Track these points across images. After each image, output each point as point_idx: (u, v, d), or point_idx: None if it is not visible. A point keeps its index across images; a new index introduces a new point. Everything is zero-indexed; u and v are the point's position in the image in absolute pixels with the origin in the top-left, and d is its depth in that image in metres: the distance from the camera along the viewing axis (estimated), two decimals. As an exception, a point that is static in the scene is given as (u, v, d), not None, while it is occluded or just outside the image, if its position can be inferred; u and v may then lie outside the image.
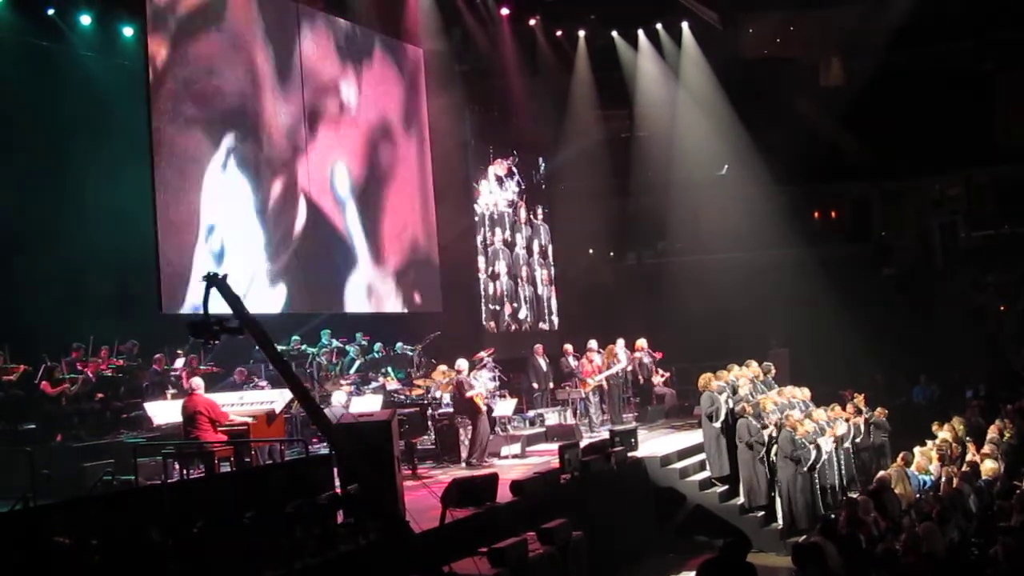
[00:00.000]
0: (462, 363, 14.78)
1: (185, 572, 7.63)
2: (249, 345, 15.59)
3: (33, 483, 8.95)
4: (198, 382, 11.60)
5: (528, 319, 23.51)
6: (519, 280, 23.51)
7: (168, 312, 14.98)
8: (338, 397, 13.66)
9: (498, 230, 22.96)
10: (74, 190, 14.73)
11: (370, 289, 19.03)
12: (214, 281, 7.31)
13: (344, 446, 8.07)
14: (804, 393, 15.84)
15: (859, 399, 16.58)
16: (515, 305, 23.18)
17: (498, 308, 22.59)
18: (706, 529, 13.78)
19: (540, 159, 24.91)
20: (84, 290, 14.32)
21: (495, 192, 23.03)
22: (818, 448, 13.65)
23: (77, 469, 11.61)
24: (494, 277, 22.56)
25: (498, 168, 23.24)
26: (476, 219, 22.17)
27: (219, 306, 7.34)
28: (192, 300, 15.36)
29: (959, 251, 25.49)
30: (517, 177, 23.93)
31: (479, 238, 22.18)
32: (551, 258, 24.79)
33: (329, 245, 18.23)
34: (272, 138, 17.13)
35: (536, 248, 24.50)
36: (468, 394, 14.31)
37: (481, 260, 22.18)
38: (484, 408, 14.44)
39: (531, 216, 24.43)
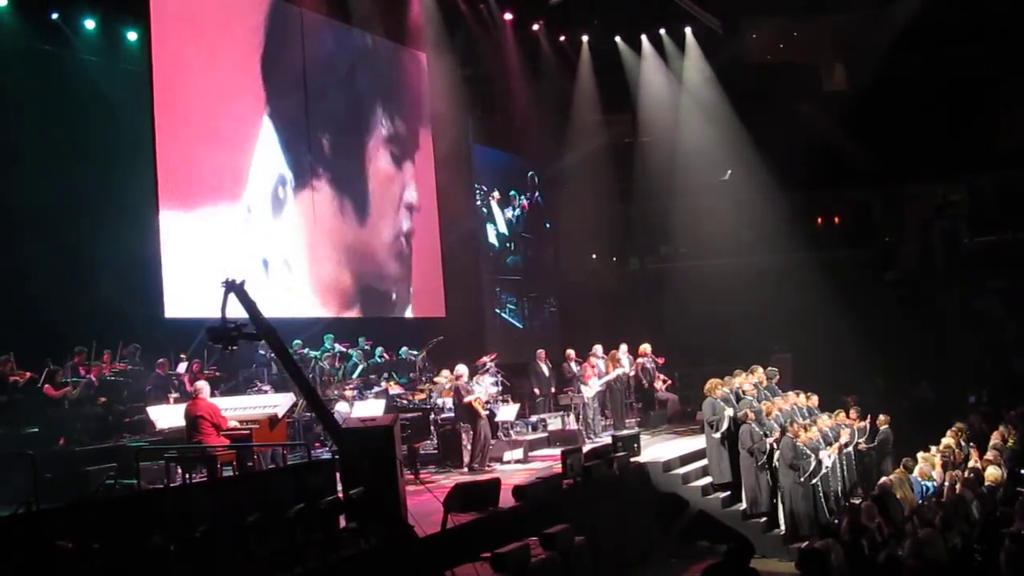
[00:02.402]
0: (461, 368, 14.79)
1: (187, 576, 7.63)
2: (252, 349, 15.68)
3: (35, 487, 8.90)
4: (202, 386, 11.57)
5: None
6: (524, 302, 23.67)
7: (171, 316, 15.01)
8: (341, 407, 13.74)
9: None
10: (77, 194, 14.72)
11: (371, 293, 19.03)
12: (232, 287, 7.32)
13: (354, 450, 8.09)
14: (809, 399, 15.79)
15: (855, 420, 16.42)
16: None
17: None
18: (709, 534, 13.78)
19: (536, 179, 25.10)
20: (87, 293, 14.32)
21: (499, 217, 23.26)
22: (818, 461, 13.61)
23: (80, 473, 11.57)
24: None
25: (501, 202, 23.52)
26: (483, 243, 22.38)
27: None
28: (194, 304, 15.39)
29: (961, 256, 25.45)
30: (522, 201, 24.18)
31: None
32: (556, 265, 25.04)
33: (332, 249, 18.27)
34: (272, 141, 17.16)
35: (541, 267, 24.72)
36: (466, 399, 14.30)
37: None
38: (483, 413, 14.39)
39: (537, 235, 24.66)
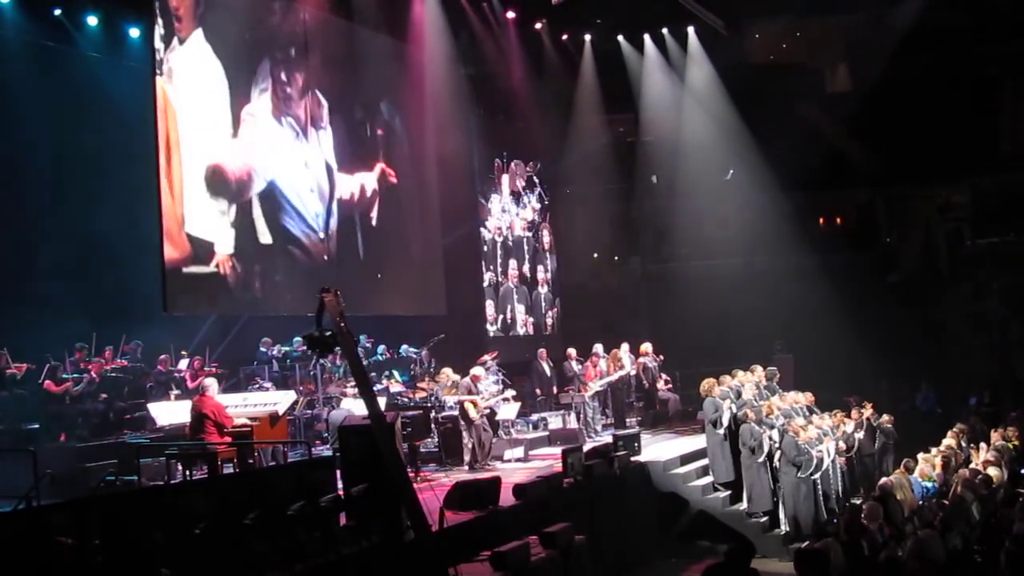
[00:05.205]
0: (478, 370, 14.88)
1: (187, 573, 7.62)
2: (254, 346, 15.70)
3: (36, 483, 8.93)
4: (210, 383, 11.44)
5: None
6: (544, 327, 23.51)
7: (171, 313, 15.01)
8: (345, 404, 13.76)
9: (513, 261, 22.98)
10: (79, 190, 14.75)
11: (373, 291, 19.02)
12: (327, 295, 7.46)
13: (391, 449, 8.14)
14: (807, 398, 15.81)
15: (868, 408, 16.46)
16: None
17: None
18: (709, 534, 13.78)
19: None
20: (88, 289, 14.33)
21: (509, 210, 23.02)
22: (819, 459, 13.60)
23: (80, 469, 11.57)
24: (507, 327, 22.55)
25: (518, 179, 23.16)
26: (485, 248, 22.20)
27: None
28: (195, 301, 15.41)
29: (964, 258, 25.42)
30: (539, 190, 23.90)
31: (487, 275, 22.22)
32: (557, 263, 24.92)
33: (333, 246, 18.26)
34: (274, 138, 17.15)
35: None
36: (461, 397, 14.28)
37: (490, 304, 22.07)
38: (472, 414, 14.17)
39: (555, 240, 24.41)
